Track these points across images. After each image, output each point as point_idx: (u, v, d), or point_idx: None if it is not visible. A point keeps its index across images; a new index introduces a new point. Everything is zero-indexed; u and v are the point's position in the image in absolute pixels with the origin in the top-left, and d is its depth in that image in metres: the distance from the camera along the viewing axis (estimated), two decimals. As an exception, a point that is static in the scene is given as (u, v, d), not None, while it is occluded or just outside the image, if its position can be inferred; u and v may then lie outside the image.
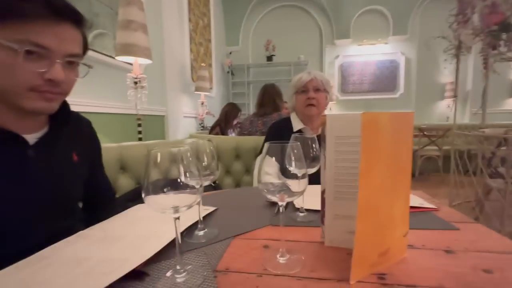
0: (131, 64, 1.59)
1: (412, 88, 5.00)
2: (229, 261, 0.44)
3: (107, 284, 0.34)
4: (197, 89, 3.18)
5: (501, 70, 2.02)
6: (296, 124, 1.10)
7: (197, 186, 0.39)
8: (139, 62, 1.56)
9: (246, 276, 0.40)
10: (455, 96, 2.55)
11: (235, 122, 2.50)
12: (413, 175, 3.82)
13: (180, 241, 0.39)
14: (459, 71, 2.35)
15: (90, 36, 1.74)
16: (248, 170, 1.51)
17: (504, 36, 1.78)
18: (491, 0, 1.52)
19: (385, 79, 4.98)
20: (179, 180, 0.37)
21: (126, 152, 1.13)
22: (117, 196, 0.89)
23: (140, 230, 0.53)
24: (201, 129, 3.39)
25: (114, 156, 1.09)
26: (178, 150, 0.36)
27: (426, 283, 0.37)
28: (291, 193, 0.42)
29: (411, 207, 0.64)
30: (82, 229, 0.55)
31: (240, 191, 0.94)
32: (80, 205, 0.73)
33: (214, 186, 1.33)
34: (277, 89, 1.89)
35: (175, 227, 0.38)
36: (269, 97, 1.82)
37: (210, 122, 2.99)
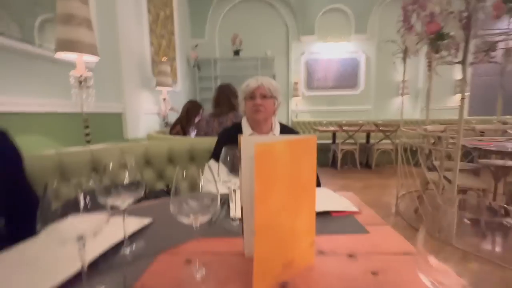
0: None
1: (372, 85, 5.33)
2: (147, 280, 0.45)
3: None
4: (158, 84, 3.06)
5: (445, 71, 2.24)
6: (246, 130, 1.12)
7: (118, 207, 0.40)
8: (84, 59, 1.46)
9: (158, 296, 0.41)
10: (403, 94, 2.79)
11: (197, 119, 2.47)
12: (370, 167, 4.12)
13: (85, 270, 0.39)
14: (406, 73, 2.56)
15: (35, 26, 1.57)
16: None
17: (442, 43, 1.97)
18: (429, 11, 1.66)
19: (348, 76, 5.24)
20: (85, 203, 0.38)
21: (67, 159, 1.07)
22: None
23: (62, 249, 0.52)
24: (165, 126, 3.29)
25: (52, 164, 1.03)
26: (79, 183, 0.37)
27: (319, 290, 0.42)
28: (206, 212, 0.44)
29: (335, 211, 0.71)
30: (5, 248, 0.53)
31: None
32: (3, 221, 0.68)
33: (168, 191, 1.32)
34: (232, 89, 1.90)
35: (80, 257, 0.38)
36: (224, 97, 1.83)
37: (174, 118, 2.90)
